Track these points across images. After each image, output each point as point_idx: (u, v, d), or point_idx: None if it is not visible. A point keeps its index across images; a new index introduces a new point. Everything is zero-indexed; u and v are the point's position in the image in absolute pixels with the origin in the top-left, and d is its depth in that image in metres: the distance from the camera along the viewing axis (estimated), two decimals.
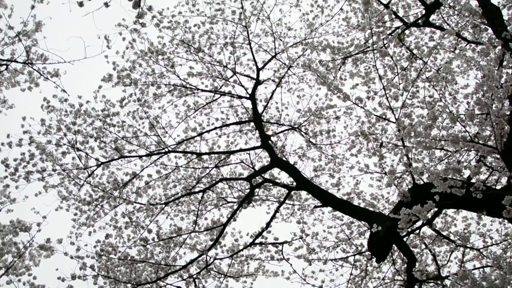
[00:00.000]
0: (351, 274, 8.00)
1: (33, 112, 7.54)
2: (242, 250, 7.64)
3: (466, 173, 5.60)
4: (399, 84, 6.83)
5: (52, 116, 7.21)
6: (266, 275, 8.00)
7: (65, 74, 7.15)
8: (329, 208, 7.85)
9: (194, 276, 7.72)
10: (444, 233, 7.94)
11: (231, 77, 7.62)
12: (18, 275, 7.29)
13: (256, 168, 7.54)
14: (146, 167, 7.37)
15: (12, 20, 7.17)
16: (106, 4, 5.83)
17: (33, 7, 7.04)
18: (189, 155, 7.54)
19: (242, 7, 7.43)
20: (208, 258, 7.60)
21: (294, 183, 7.25)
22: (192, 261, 7.52)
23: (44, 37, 7.12)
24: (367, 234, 7.65)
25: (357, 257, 8.01)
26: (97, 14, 5.93)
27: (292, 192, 7.60)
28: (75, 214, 7.43)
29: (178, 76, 7.54)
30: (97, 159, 7.35)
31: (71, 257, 7.26)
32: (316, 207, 7.61)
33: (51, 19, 7.32)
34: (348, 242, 7.92)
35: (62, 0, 6.76)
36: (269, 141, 7.43)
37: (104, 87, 7.36)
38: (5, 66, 7.21)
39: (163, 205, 7.48)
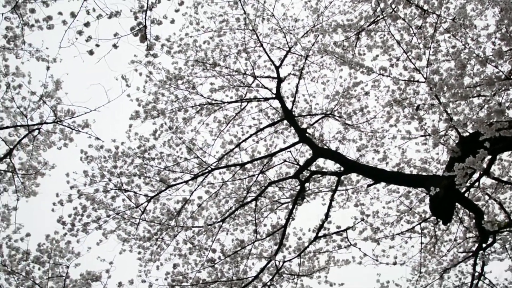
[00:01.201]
0: (421, 243, 8.46)
1: (73, 166, 8.29)
2: (308, 246, 8.17)
3: (510, 113, 6.05)
4: (419, 43, 7.29)
5: (93, 165, 7.92)
6: (337, 265, 8.52)
7: (94, 122, 7.90)
8: (383, 184, 8.34)
9: (268, 283, 8.30)
10: (504, 179, 8.31)
11: (253, 82, 8.22)
12: None
13: (301, 163, 8.10)
14: (195, 190, 8.01)
15: (32, 85, 7.97)
16: (115, 46, 6.54)
17: (48, 68, 7.81)
18: (232, 168, 8.14)
19: (244, 12, 8.02)
20: (277, 262, 8.16)
21: (342, 168, 7.76)
22: (262, 270, 8.09)
23: (66, 93, 7.89)
24: (427, 200, 8.10)
25: (423, 225, 8.44)
26: (109, 58, 6.64)
27: (342, 178, 8.11)
28: (139, 253, 8.11)
29: (202, 95, 8.19)
30: (146, 195, 8.03)
31: None
32: (369, 186, 8.07)
33: (68, 74, 8.10)
34: (410, 212, 8.38)
35: (73, 54, 7.51)
36: (306, 134, 7.97)
37: (134, 125, 8.05)
38: (37, 131, 8.00)
39: (221, 223, 8.09)
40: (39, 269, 7.77)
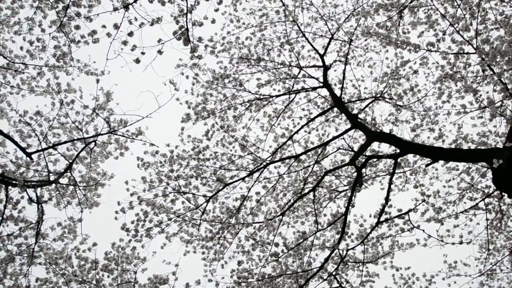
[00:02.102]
0: (487, 220, 8.64)
1: (131, 173, 8.88)
2: (370, 232, 8.49)
3: None
4: (464, 14, 7.52)
5: (150, 171, 8.45)
6: (402, 249, 8.82)
7: (147, 129, 8.46)
8: (441, 162, 8.58)
9: (333, 273, 8.69)
10: None
11: (299, 73, 8.59)
12: None
13: (355, 149, 8.45)
14: (252, 186, 8.44)
15: (84, 99, 8.58)
16: (160, 52, 7.02)
17: (97, 81, 8.41)
18: (287, 161, 8.54)
19: (283, 4, 8.41)
20: (340, 251, 8.52)
21: (397, 150, 8.05)
22: (326, 260, 8.47)
23: (117, 104, 8.46)
24: (489, 174, 8.30)
25: (487, 200, 8.60)
26: (155, 64, 7.12)
27: (399, 160, 8.41)
28: (203, 253, 8.62)
29: (250, 91, 8.62)
30: (204, 196, 8.53)
31: None
32: (427, 165, 8.31)
33: (117, 85, 8.69)
34: (472, 189, 8.58)
35: (120, 64, 8.08)
36: (358, 119, 8.29)
37: (186, 127, 8.54)
38: (93, 143, 8.62)
39: (280, 216, 8.51)
40: (108, 276, 8.37)
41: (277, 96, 8.72)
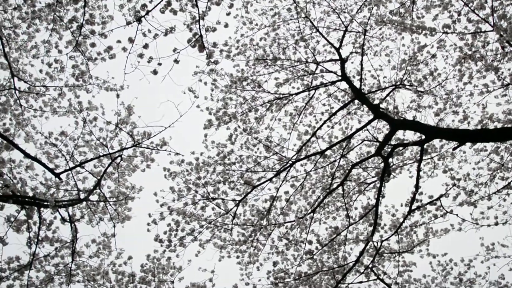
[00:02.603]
0: None
1: (159, 184, 9.02)
2: (403, 222, 8.49)
3: None
4: None
5: (177, 180, 8.59)
6: (437, 236, 8.81)
7: (171, 139, 8.59)
8: (468, 144, 8.58)
9: (370, 266, 8.72)
10: None
11: (316, 68, 8.65)
12: None
13: (380, 140, 8.48)
14: (280, 186, 8.51)
15: (106, 115, 8.74)
16: (176, 61, 7.12)
17: (118, 96, 8.56)
18: (312, 157, 8.59)
19: (294, 1, 8.50)
20: (375, 243, 8.56)
21: (423, 137, 8.06)
22: (361, 253, 8.49)
23: (139, 117, 8.60)
24: None
25: None
26: (172, 74, 7.23)
27: (425, 146, 8.40)
28: (237, 257, 8.71)
29: (269, 92, 8.70)
30: (233, 200, 8.63)
31: None
32: (454, 149, 8.30)
33: (137, 98, 8.84)
34: (503, 168, 8.54)
35: (138, 77, 8.22)
36: (380, 109, 8.33)
37: (209, 134, 8.68)
38: (119, 158, 8.78)
39: (311, 214, 8.56)
40: None
41: (296, 93, 8.80)
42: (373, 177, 8.64)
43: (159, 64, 7.86)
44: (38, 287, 8.15)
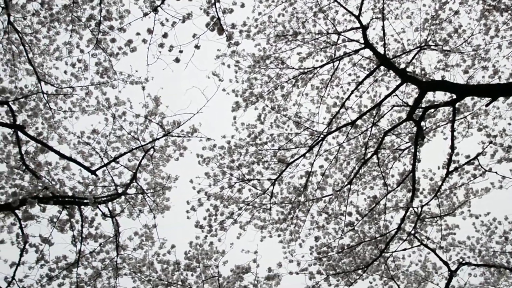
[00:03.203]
0: None
1: (194, 171, 9.16)
2: (442, 184, 8.43)
3: None
4: None
5: (212, 165, 8.73)
6: (478, 196, 8.76)
7: (201, 126, 8.70)
8: (501, 99, 8.50)
9: (412, 232, 8.74)
10: None
11: (338, 39, 8.63)
12: None
13: (410, 104, 8.45)
14: (314, 161, 8.54)
15: (135, 109, 8.89)
16: (197, 46, 7.19)
17: (143, 88, 8.69)
18: (343, 129, 8.59)
19: None
20: (415, 209, 8.56)
21: (454, 96, 8.00)
22: (402, 220, 8.48)
23: (166, 107, 8.69)
24: None
25: None
26: (195, 60, 7.29)
27: (457, 105, 8.34)
28: (279, 235, 8.82)
29: (293, 67, 8.75)
30: (269, 179, 8.71)
31: (297, 273, 8.69)
32: (487, 105, 8.18)
33: (163, 88, 8.97)
34: None
35: (161, 67, 8.32)
36: (407, 73, 8.30)
37: (237, 116, 8.75)
38: (152, 149, 8.93)
39: (348, 186, 8.60)
40: (192, 275, 8.68)
41: (321, 66, 8.81)
42: (406, 142, 8.63)
43: (181, 51, 7.94)
44: (87, 283, 8.35)
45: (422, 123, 8.35)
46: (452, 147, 8.17)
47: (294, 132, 8.55)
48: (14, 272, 7.09)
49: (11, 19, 8.68)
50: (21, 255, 7.21)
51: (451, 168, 8.29)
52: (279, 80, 8.78)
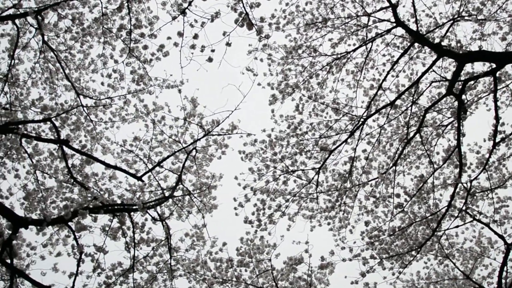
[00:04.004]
0: None
1: (238, 168, 9.32)
2: (489, 157, 8.21)
3: None
4: None
5: (254, 160, 8.85)
6: None
7: (240, 122, 8.81)
8: None
9: (463, 208, 8.65)
10: None
11: (368, 20, 8.58)
12: None
13: (449, 78, 8.38)
14: (356, 146, 8.55)
15: (173, 112, 9.07)
16: (228, 44, 7.28)
17: (180, 91, 8.85)
18: (383, 111, 8.56)
19: None
20: (464, 185, 8.46)
21: (493, 65, 7.90)
22: (452, 197, 8.39)
23: (204, 107, 8.86)
24: None
25: None
26: (227, 57, 7.37)
27: (498, 74, 8.21)
28: (328, 224, 8.87)
29: (326, 54, 8.80)
30: (313, 168, 8.77)
31: (350, 260, 8.72)
32: None
33: (199, 89, 9.12)
34: None
35: (194, 68, 8.42)
36: (443, 47, 8.23)
37: (275, 108, 8.83)
38: (194, 150, 9.11)
39: (393, 167, 8.59)
40: (245, 270, 8.81)
41: (353, 50, 8.81)
42: (449, 117, 8.55)
43: (212, 50, 8.06)
44: (144, 286, 8.55)
45: (463, 97, 8.24)
46: (497, 118, 8.05)
47: (333, 119, 8.60)
48: (73, 282, 7.27)
49: (45, 38, 8.98)
50: (78, 265, 7.40)
51: (497, 139, 8.18)
52: (313, 69, 8.83)
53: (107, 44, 9.05)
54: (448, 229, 8.51)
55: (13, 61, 8.84)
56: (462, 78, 8.27)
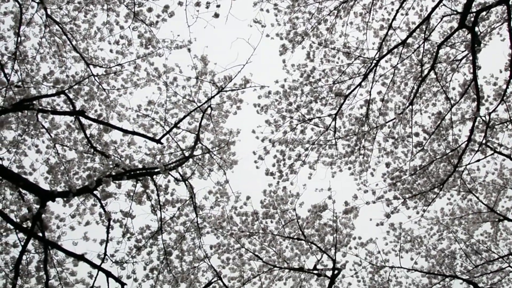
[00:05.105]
0: None
1: (254, 121, 9.38)
2: (507, 87, 8.04)
3: None
4: None
5: (270, 112, 8.88)
6: None
7: (252, 76, 8.78)
8: None
9: (483, 142, 8.64)
10: None
11: None
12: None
13: (460, 10, 8.27)
14: (371, 88, 8.51)
15: (185, 72, 9.10)
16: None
17: (189, 50, 8.86)
18: (395, 50, 8.27)
19: None
20: (483, 118, 8.41)
21: None
22: (471, 131, 8.08)
23: (215, 64, 8.85)
24: None
25: None
26: (234, 11, 7.33)
27: (511, 2, 8.16)
28: (349, 168, 9.01)
29: None
30: (329, 115, 8.78)
31: (374, 202, 8.88)
32: None
33: (208, 47, 9.10)
34: None
35: (201, 25, 8.43)
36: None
37: (286, 58, 8.81)
38: (209, 108, 9.18)
39: (410, 106, 8.62)
40: (271, 222, 9.02)
41: None
42: (463, 51, 8.52)
43: (218, 6, 8.10)
44: (174, 247, 8.80)
45: (476, 29, 8.16)
46: None
47: (345, 64, 8.61)
48: (105, 249, 7.48)
49: (48, 12, 9.02)
50: (107, 232, 7.62)
51: None
52: (321, 14, 8.79)
53: (111, 11, 9.07)
54: (469, 163, 8.57)
55: (19, 38, 8.88)
56: (474, 9, 8.17)
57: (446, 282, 9.42)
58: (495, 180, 9.43)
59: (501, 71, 8.42)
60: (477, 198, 9.22)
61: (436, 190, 8.75)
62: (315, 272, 8.79)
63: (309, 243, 8.66)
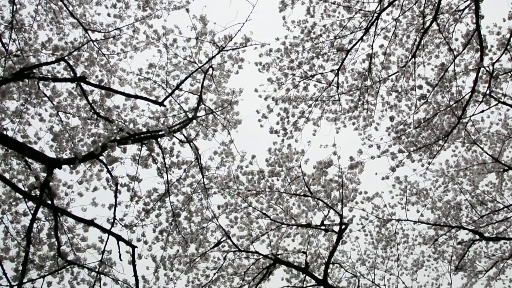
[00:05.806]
0: None
1: (257, 80, 9.37)
2: (511, 36, 8.15)
3: None
4: None
5: (272, 70, 8.91)
6: None
7: (252, 34, 8.77)
8: None
9: (487, 92, 8.68)
10: None
11: None
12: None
13: None
14: (373, 42, 8.49)
15: (184, 33, 9.06)
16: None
17: (187, 10, 8.80)
18: (396, 2, 8.35)
19: None
20: (486, 68, 8.39)
21: None
22: (475, 82, 8.09)
23: (214, 23, 8.83)
24: None
25: None
26: None
27: None
28: (353, 123, 9.04)
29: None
30: (331, 71, 8.81)
31: (379, 156, 8.96)
32: None
33: (206, 6, 9.05)
34: None
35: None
36: None
37: (286, 15, 8.68)
38: (210, 69, 9.18)
39: (412, 59, 8.44)
40: (277, 179, 9.14)
41: None
42: (465, 1, 8.43)
43: None
44: (182, 208, 8.93)
45: None
46: None
47: (346, 18, 8.56)
48: (114, 213, 7.62)
49: None
50: (115, 197, 7.74)
51: None
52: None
53: None
54: (473, 115, 8.59)
55: (15, 6, 8.82)
56: None
57: (452, 233, 9.61)
58: (500, 130, 9.50)
59: (504, 20, 8.38)
60: (482, 149, 9.30)
61: (440, 142, 8.83)
62: (323, 227, 8.97)
63: (316, 199, 8.81)
